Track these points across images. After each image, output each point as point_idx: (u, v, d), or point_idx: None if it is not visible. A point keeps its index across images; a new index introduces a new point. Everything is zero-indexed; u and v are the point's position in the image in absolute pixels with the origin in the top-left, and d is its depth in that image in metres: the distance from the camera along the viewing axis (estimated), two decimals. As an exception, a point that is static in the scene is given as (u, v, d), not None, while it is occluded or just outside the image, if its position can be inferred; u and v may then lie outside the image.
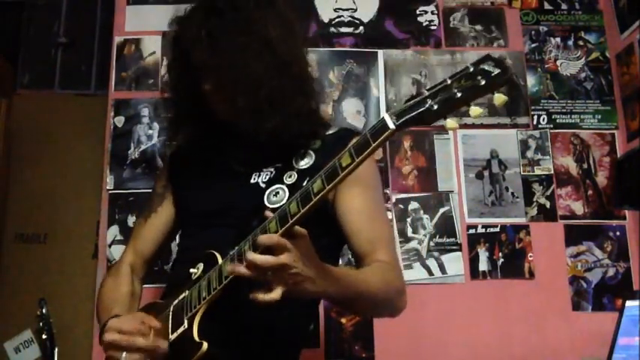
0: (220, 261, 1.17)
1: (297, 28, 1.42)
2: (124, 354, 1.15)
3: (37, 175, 3.10)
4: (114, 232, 2.47)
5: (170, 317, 1.21)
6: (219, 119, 1.38)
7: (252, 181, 1.35)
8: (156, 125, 2.58)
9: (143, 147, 2.56)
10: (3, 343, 2.42)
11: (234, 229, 1.15)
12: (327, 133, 1.43)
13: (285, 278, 1.05)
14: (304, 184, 1.07)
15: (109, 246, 2.45)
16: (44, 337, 2.11)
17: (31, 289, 2.80)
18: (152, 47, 2.66)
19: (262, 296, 1.05)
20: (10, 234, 3.06)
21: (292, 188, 1.23)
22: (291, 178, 1.29)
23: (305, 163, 1.32)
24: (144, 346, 1.15)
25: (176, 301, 1.22)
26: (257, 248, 1.05)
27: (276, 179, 1.30)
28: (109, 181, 2.52)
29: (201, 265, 1.23)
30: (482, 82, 0.91)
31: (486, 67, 0.92)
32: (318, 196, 1.02)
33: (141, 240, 1.52)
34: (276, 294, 1.05)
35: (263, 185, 1.32)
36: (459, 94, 0.92)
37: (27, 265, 2.99)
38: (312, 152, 1.35)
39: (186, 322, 1.16)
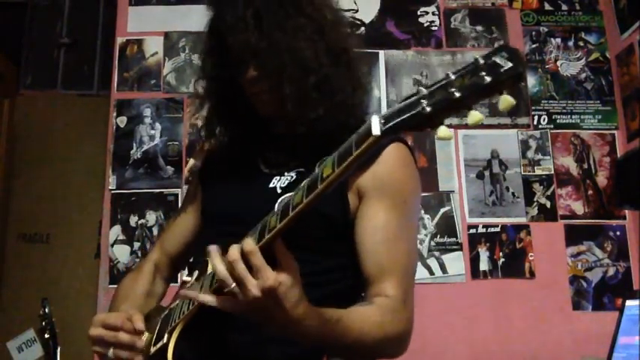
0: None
1: (345, 16, 1.28)
2: (111, 349, 1.11)
3: (40, 175, 3.12)
4: (116, 231, 2.48)
5: (157, 328, 1.13)
6: (259, 113, 1.26)
7: (270, 185, 1.22)
8: (158, 125, 2.59)
9: (145, 147, 2.57)
10: (6, 343, 2.43)
11: (241, 236, 1.00)
12: None
13: (244, 303, 0.92)
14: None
15: (112, 246, 2.46)
16: (47, 336, 2.13)
17: (33, 289, 2.81)
18: (154, 48, 2.67)
19: (197, 294, 0.97)
20: (12, 234, 3.08)
21: None
22: None
23: None
24: (126, 342, 1.09)
25: (166, 311, 1.15)
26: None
27: (294, 185, 1.09)
28: (112, 181, 2.53)
29: (196, 273, 1.13)
30: (487, 80, 0.73)
31: (497, 60, 0.74)
32: (295, 210, 0.89)
33: (168, 238, 1.44)
34: (207, 298, 0.95)
35: (279, 191, 1.19)
36: (456, 95, 0.74)
37: (30, 264, 3.01)
38: None
39: (165, 336, 1.07)
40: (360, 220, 1.16)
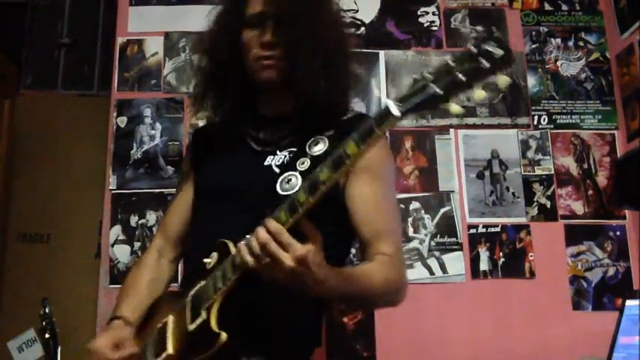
0: (233, 250, 1.17)
1: (346, 17, 1.49)
2: None
3: (40, 175, 3.12)
4: (116, 231, 2.48)
5: (188, 307, 1.22)
6: (259, 80, 1.36)
7: (266, 163, 1.34)
8: (158, 125, 2.60)
9: (145, 147, 2.58)
10: (6, 343, 2.43)
11: (246, 213, 1.14)
12: (342, 118, 1.41)
13: (283, 275, 1.05)
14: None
15: (112, 246, 2.46)
16: (47, 336, 2.13)
17: (33, 289, 2.81)
18: (155, 48, 2.67)
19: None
20: (13, 234, 3.08)
21: (305, 175, 1.19)
22: (304, 165, 1.25)
23: (318, 150, 1.29)
24: None
25: (193, 291, 1.23)
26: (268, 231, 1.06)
27: (290, 165, 1.28)
28: (112, 181, 2.53)
29: (215, 255, 1.23)
30: (487, 65, 0.91)
31: (489, 48, 0.92)
32: (325, 185, 1.03)
33: (168, 220, 1.52)
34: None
35: (277, 170, 1.30)
36: (463, 78, 0.91)
37: (30, 264, 3.01)
38: (326, 139, 1.31)
39: (203, 312, 1.17)
40: (352, 194, 1.33)
